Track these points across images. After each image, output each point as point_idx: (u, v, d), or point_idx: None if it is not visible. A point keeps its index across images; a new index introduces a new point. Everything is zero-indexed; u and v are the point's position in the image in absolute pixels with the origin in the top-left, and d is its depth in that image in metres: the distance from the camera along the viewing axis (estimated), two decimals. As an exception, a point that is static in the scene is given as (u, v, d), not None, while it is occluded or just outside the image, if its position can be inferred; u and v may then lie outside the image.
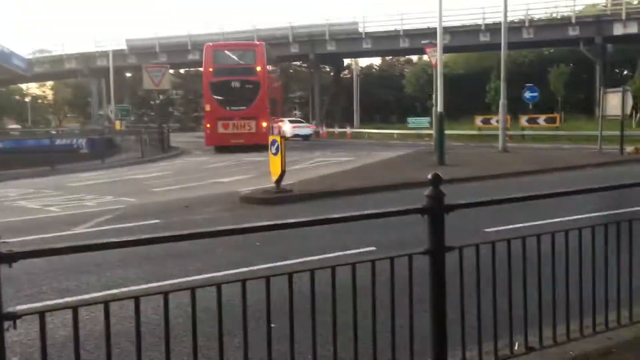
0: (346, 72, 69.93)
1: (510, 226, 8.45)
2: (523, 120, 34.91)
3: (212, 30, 55.54)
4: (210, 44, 34.21)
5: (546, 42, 48.68)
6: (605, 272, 4.15)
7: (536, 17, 47.49)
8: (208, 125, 31.57)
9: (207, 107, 31.60)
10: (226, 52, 33.06)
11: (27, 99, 79.00)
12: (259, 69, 31.65)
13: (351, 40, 52.39)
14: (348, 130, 48.34)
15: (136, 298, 2.66)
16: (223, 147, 30.74)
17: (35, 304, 5.54)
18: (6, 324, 2.34)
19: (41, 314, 2.47)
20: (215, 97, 31.25)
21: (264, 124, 31.23)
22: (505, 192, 12.17)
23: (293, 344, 3.10)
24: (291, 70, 76.74)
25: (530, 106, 34.58)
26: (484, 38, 46.84)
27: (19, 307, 2.49)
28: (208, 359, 4.14)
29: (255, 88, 31.41)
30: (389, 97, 68.96)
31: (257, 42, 35.50)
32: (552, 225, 5.15)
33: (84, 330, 2.60)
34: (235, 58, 32.62)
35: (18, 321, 2.41)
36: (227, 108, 31.15)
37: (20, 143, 28.79)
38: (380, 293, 3.36)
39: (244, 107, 31.07)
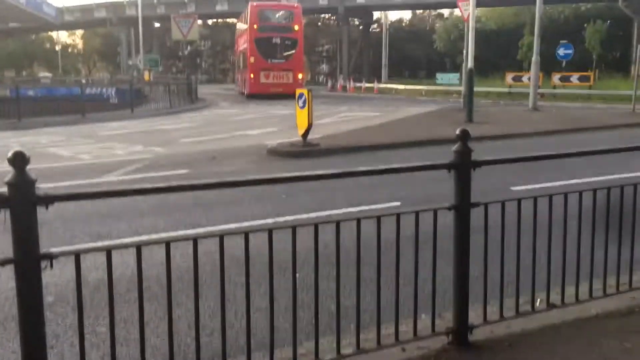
0: (375, 26, 68.70)
1: (538, 185, 8.38)
2: (555, 78, 34.07)
3: (240, -19, 54.84)
4: (255, 3, 37.11)
5: (584, -3, 47.10)
6: (631, 233, 4.13)
7: (575, -30, 45.86)
8: (252, 75, 35.02)
9: (252, 60, 35.03)
10: (269, 11, 36.81)
11: (57, 48, 79.46)
12: (296, 27, 36.09)
13: (382, -7, 51.33)
14: (375, 85, 47.77)
15: (167, 243, 2.74)
16: (256, 96, 34.25)
17: (69, 247, 5.73)
18: (43, 263, 2.44)
19: (76, 255, 2.57)
20: (259, 50, 34.91)
21: (300, 76, 35.60)
22: (534, 150, 12.04)
23: (317, 293, 3.17)
24: (319, 23, 75.66)
25: (564, 64, 33.68)
26: (519, -8, 45.49)
27: (54, 249, 2.59)
28: (234, 305, 4.27)
29: (293, 44, 35.75)
30: (418, 53, 67.67)
31: (296, 4, 38.99)
32: (581, 186, 5.11)
33: (115, 274, 2.69)
34: (277, 17, 36.76)
35: (53, 262, 2.50)
36: (269, 61, 34.96)
37: (51, 91, 29.02)
38: (404, 247, 3.40)
39: (283, 61, 35.26)
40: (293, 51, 35.83)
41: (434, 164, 3.45)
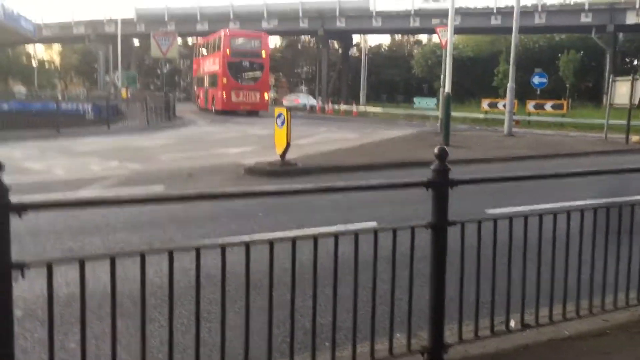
0: (354, 49, 69.45)
1: (512, 209, 8.46)
2: (530, 105, 34.70)
3: (221, 3, 55.24)
4: (227, 31, 42.33)
5: (558, 28, 48.23)
6: (604, 256, 4.18)
7: (549, 2, 46.99)
8: (224, 94, 39.42)
9: (224, 80, 39.46)
10: (240, 39, 41.91)
11: (34, 62, 78.63)
12: (264, 53, 41.26)
13: (361, 18, 52.00)
14: (354, 107, 48.16)
15: (142, 255, 2.70)
16: (230, 112, 38.74)
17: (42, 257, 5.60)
18: (14, 273, 2.38)
19: (49, 265, 2.51)
20: (230, 72, 39.53)
21: (266, 95, 41.51)
22: (508, 175, 12.19)
23: (293, 312, 3.13)
24: (299, 45, 76.24)
25: (538, 92, 34.35)
26: (495, 21, 46.42)
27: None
28: (208, 322, 4.21)
29: (261, 67, 40.95)
30: (396, 77, 68.55)
31: (263, 33, 43.86)
32: (554, 209, 5.16)
33: (87, 289, 2.63)
34: (247, 44, 41.32)
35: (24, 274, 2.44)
36: (239, 82, 39.83)
37: (26, 105, 28.59)
38: (381, 266, 3.40)
39: (252, 82, 40.30)
40: (260, 73, 41.03)
41: (412, 182, 3.46)
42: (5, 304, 2.37)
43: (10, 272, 2.35)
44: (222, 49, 40.23)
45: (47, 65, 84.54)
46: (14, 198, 2.39)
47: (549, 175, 4.45)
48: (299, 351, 3.63)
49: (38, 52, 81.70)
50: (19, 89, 61.54)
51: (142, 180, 11.22)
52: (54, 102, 26.35)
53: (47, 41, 68.94)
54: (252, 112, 39.48)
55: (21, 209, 2.35)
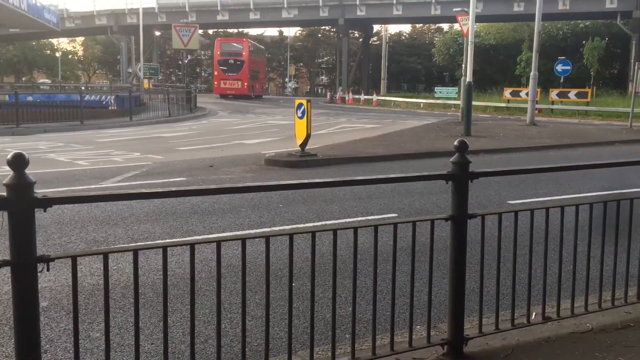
0: (375, 38, 69.05)
1: (534, 199, 8.40)
2: (553, 94, 34.23)
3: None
4: (218, 38, 58.52)
5: (582, 14, 47.36)
6: (627, 248, 4.13)
7: (573, -12, 46.07)
8: (215, 83, 56.00)
9: (216, 73, 55.77)
10: (227, 43, 56.59)
11: (57, 54, 79.52)
12: (244, 53, 54.95)
13: (381, 6, 51.65)
14: (374, 97, 47.97)
15: (164, 248, 2.73)
16: (224, 96, 53.49)
17: (66, 250, 5.70)
18: (39, 266, 2.43)
19: (73, 258, 2.56)
20: (220, 67, 54.33)
21: (246, 84, 54.82)
22: (530, 165, 12.09)
23: (313, 302, 3.15)
24: (319, 35, 75.96)
25: (562, 80, 33.86)
26: (517, 8, 45.74)
27: (51, 253, 2.57)
28: (229, 312, 4.26)
29: (242, 63, 54.31)
30: (417, 66, 68.09)
31: (244, 39, 59.20)
32: (576, 200, 5.11)
33: (111, 280, 2.67)
34: (231, 46, 55.51)
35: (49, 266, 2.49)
36: (226, 73, 54.09)
37: (50, 97, 28.99)
38: (401, 258, 3.39)
39: (235, 74, 53.95)
40: (242, 68, 54.11)
41: (432, 174, 3.45)
42: (32, 297, 2.42)
43: (36, 266, 2.40)
44: (214, 50, 55.90)
45: (70, 57, 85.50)
46: (39, 192, 2.43)
47: (570, 166, 4.40)
48: (319, 342, 3.66)
49: (61, 43, 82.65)
50: (44, 81, 62.40)
51: (164, 171, 11.32)
52: (77, 94, 26.67)
53: (70, 33, 69.46)
54: (240, 96, 53.18)
55: (46, 203, 2.39)
